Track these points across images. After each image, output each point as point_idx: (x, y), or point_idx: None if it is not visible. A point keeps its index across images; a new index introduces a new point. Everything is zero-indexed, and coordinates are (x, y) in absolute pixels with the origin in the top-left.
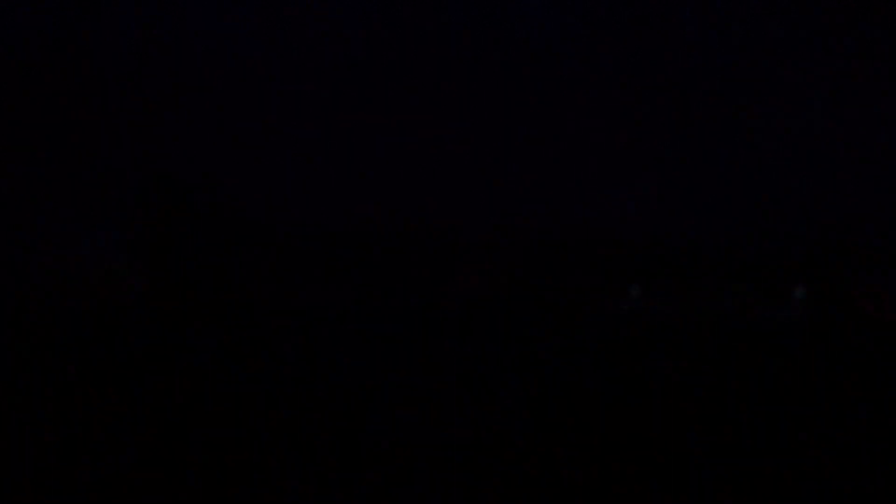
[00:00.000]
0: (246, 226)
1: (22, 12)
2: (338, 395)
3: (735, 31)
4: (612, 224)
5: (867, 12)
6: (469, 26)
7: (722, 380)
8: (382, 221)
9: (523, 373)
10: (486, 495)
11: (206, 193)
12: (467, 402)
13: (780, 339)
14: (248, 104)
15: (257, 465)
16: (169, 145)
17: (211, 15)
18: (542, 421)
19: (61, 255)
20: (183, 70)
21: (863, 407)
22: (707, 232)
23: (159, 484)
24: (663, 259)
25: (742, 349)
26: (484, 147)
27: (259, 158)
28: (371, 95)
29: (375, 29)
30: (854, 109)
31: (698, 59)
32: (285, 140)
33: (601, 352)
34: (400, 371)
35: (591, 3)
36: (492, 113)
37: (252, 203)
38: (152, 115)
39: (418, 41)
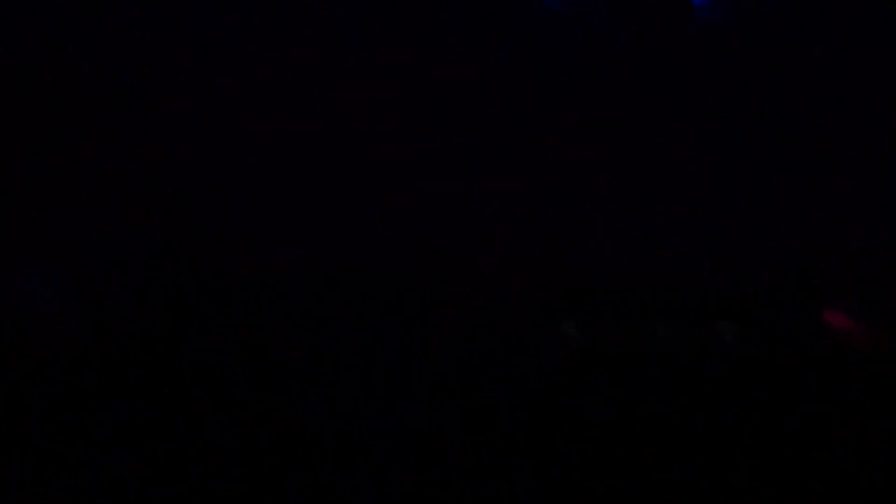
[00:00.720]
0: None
1: (22, 12)
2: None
3: (739, 32)
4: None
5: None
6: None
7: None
8: (371, 235)
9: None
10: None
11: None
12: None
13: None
14: (245, 109)
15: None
16: (167, 152)
17: (211, 16)
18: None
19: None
20: (183, 73)
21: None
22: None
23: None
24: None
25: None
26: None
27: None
28: (365, 102)
29: (376, 31)
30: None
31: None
32: (271, 145)
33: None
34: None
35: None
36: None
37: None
38: (148, 119)
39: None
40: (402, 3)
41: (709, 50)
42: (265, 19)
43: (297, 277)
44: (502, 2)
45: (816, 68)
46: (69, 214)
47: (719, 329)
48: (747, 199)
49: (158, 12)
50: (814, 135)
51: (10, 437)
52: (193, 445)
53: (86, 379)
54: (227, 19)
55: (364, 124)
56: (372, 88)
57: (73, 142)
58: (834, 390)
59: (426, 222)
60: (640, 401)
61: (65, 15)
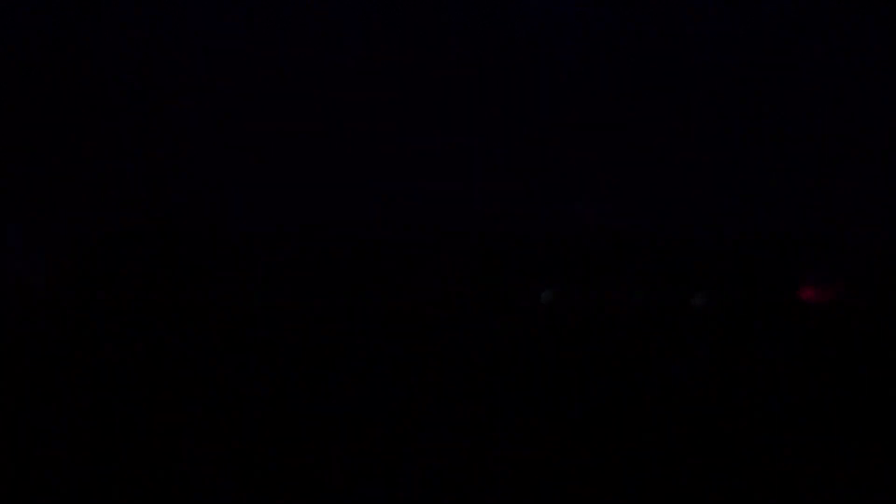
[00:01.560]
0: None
1: (22, 12)
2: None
3: (739, 31)
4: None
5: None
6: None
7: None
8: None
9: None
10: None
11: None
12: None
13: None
14: (243, 107)
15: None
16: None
17: (211, 16)
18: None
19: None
20: (183, 73)
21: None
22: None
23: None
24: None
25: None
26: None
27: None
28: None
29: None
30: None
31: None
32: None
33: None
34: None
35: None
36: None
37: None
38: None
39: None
40: (402, 3)
41: (709, 50)
42: (265, 19)
43: (296, 276)
44: (502, 2)
45: (816, 68)
46: (69, 214)
47: (695, 300)
48: (746, 198)
49: (158, 12)
50: (814, 135)
51: None
52: (178, 428)
53: (66, 351)
54: (227, 19)
55: (364, 124)
56: (372, 88)
57: (73, 142)
58: (807, 366)
59: (426, 222)
60: (617, 374)
61: (65, 15)
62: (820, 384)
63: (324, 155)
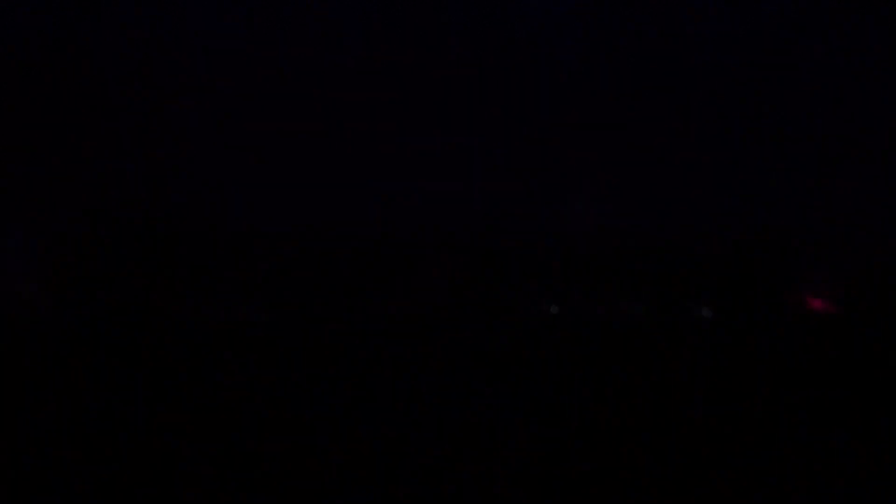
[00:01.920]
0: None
1: (22, 12)
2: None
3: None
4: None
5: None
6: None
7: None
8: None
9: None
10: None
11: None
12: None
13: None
14: (241, 108)
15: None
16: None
17: (211, 16)
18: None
19: None
20: (183, 73)
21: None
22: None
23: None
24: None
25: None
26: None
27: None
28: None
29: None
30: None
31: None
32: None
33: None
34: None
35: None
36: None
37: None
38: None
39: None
40: (402, 3)
41: (709, 50)
42: (265, 19)
43: (295, 276)
44: (502, 2)
45: (816, 68)
46: (69, 214)
47: (699, 312)
48: (745, 197)
49: (158, 12)
50: (814, 135)
51: None
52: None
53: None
54: (227, 19)
55: (364, 124)
56: (372, 88)
57: (73, 142)
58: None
59: (426, 222)
60: (618, 380)
61: (65, 15)
62: (819, 386)
63: (324, 155)
